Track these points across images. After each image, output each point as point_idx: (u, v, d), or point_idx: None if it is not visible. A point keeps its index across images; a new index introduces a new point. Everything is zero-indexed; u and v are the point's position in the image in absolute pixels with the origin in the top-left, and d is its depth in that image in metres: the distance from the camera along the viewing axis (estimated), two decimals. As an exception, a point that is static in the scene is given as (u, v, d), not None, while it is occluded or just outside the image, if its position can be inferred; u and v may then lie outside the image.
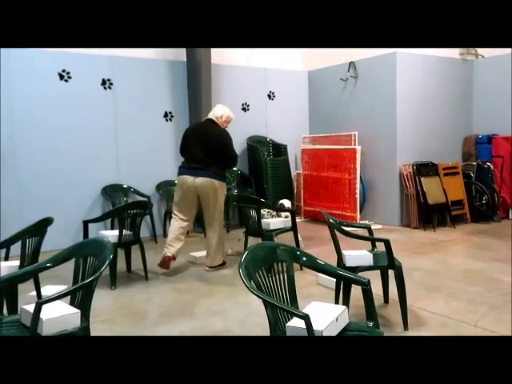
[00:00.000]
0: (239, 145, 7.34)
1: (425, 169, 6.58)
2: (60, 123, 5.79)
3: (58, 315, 2.14)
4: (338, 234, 3.24)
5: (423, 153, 6.74)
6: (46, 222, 3.21)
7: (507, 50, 6.79)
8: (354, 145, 6.81)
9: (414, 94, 6.67)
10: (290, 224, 4.76)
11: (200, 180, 4.55)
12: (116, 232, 4.42)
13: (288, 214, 4.94)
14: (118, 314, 3.64)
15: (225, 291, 4.08)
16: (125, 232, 4.40)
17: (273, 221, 4.84)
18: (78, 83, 5.89)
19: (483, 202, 6.76)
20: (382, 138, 6.74)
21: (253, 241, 4.65)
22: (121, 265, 4.52)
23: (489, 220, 6.70)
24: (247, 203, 4.71)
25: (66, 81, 5.84)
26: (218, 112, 4.80)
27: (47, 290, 3.58)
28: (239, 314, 3.54)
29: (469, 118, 7.41)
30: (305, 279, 4.17)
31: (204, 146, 4.59)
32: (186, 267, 4.94)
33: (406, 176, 6.52)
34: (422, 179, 6.44)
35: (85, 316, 2.25)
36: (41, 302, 2.00)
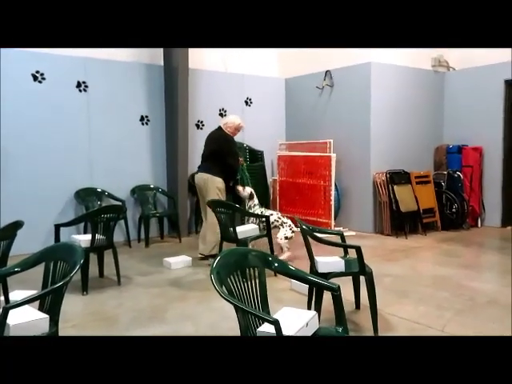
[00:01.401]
0: (216, 150, 7.36)
1: (398, 177, 6.73)
2: (33, 125, 5.69)
3: (26, 320, 2.11)
4: (311, 240, 3.28)
5: (396, 161, 6.90)
6: (15, 226, 3.15)
7: (477, 63, 7.03)
8: (330, 152, 6.91)
9: (387, 104, 6.83)
10: (258, 232, 4.86)
11: (197, 175, 5.25)
12: (88, 236, 4.36)
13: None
14: (89, 319, 3.59)
15: (198, 296, 4.08)
16: (98, 236, 4.34)
17: (247, 227, 4.86)
18: (52, 85, 5.80)
19: (453, 210, 6.95)
20: (356, 145, 6.86)
21: (228, 247, 4.67)
22: (93, 270, 4.46)
23: (458, 228, 6.89)
24: (222, 209, 4.72)
25: (39, 82, 5.74)
26: (223, 119, 5.45)
27: (16, 295, 3.51)
28: (211, 318, 3.54)
29: (440, 128, 7.62)
30: (278, 285, 4.20)
31: (206, 148, 5.32)
32: (160, 272, 4.91)
33: (380, 184, 6.65)
34: (395, 187, 6.59)
35: (54, 321, 2.22)
36: (7, 306, 1.97)
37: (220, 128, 5.26)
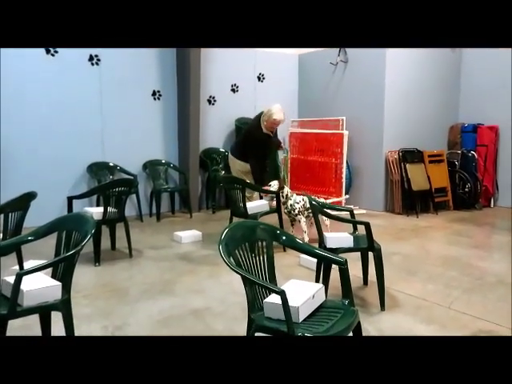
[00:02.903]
0: (228, 126, 7.35)
1: (410, 156, 6.65)
2: (45, 99, 5.71)
3: (39, 287, 2.17)
4: (321, 216, 3.29)
5: (409, 140, 6.81)
6: (29, 197, 3.21)
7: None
8: (342, 130, 6.84)
9: (402, 81, 6.70)
10: (267, 208, 4.84)
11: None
12: (101, 209, 4.42)
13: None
14: (100, 290, 3.67)
15: (207, 270, 4.13)
16: (109, 209, 4.40)
17: (257, 203, 4.87)
18: (64, 58, 5.79)
19: (466, 189, 6.88)
20: (369, 123, 6.78)
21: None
22: (105, 242, 4.53)
23: (471, 208, 6.83)
24: (232, 184, 4.73)
25: (52, 55, 5.74)
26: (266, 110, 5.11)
27: (30, 265, 3.59)
28: (219, 292, 3.59)
29: (455, 106, 7.48)
30: (287, 260, 4.24)
31: None
32: (171, 246, 4.97)
33: (392, 162, 6.59)
34: (407, 166, 6.52)
35: (66, 289, 2.27)
36: (21, 272, 2.02)
37: (259, 119, 5.03)
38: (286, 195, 4.79)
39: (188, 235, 5.12)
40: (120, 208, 4.52)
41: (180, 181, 6.86)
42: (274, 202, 4.96)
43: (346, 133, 6.74)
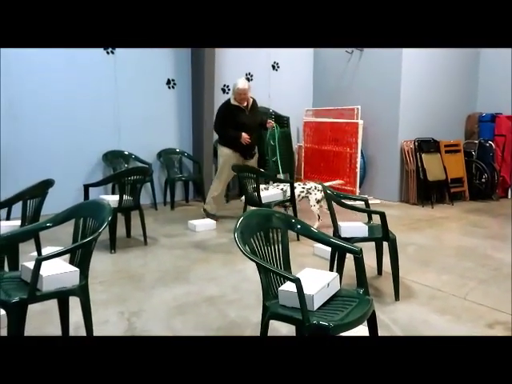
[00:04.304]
0: (241, 115, 7.32)
1: (426, 145, 6.57)
2: (61, 88, 5.75)
3: (58, 272, 2.21)
4: (336, 206, 3.28)
5: (425, 129, 6.72)
6: (46, 184, 3.25)
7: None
8: (357, 119, 6.78)
9: (419, 70, 6.60)
10: (281, 197, 4.85)
11: None
12: (116, 197, 4.46)
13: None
14: (116, 276, 3.72)
15: (221, 258, 4.16)
16: (125, 197, 4.44)
17: (271, 192, 4.87)
18: (80, 48, 5.81)
19: (483, 180, 6.78)
20: (384, 112, 6.70)
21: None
22: (121, 230, 4.58)
23: (487, 198, 6.73)
24: (246, 173, 4.73)
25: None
26: None
27: (47, 251, 3.65)
28: (233, 280, 3.62)
29: (473, 95, 7.34)
30: (301, 250, 4.24)
31: None
32: (185, 234, 5.01)
33: (407, 152, 6.52)
34: (423, 156, 6.44)
35: (83, 275, 2.31)
36: (40, 258, 2.06)
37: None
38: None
39: (202, 223, 5.15)
40: (135, 196, 4.56)
41: (194, 170, 6.89)
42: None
43: (360, 122, 6.68)
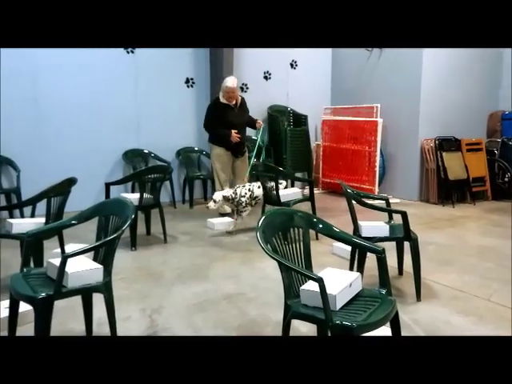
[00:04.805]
0: (259, 114, 7.31)
1: (447, 144, 6.48)
2: (83, 87, 5.84)
3: (83, 269, 2.24)
4: (355, 205, 3.26)
5: (446, 127, 6.62)
6: (70, 182, 3.31)
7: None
8: (376, 117, 6.72)
9: (440, 67, 6.50)
10: (300, 196, 4.83)
11: None
12: (137, 195, 4.51)
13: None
14: (136, 273, 3.76)
15: (239, 256, 4.17)
16: (145, 195, 4.49)
17: (290, 191, 4.87)
18: (101, 48, 5.88)
19: (505, 179, 6.65)
20: (404, 111, 6.63)
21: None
22: (140, 228, 4.64)
23: (510, 198, 6.60)
24: (265, 172, 4.74)
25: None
26: None
27: (70, 248, 3.73)
28: (252, 278, 3.63)
29: (495, 93, 7.20)
30: (320, 248, 4.22)
31: None
32: (204, 233, 5.04)
33: (428, 150, 6.44)
34: (444, 154, 6.35)
35: (107, 272, 2.34)
36: (66, 255, 2.10)
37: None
38: (233, 194, 4.80)
39: (220, 222, 5.17)
40: (155, 194, 4.61)
41: (212, 168, 6.91)
42: (307, 190, 4.95)
43: (380, 120, 6.62)
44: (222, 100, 5.26)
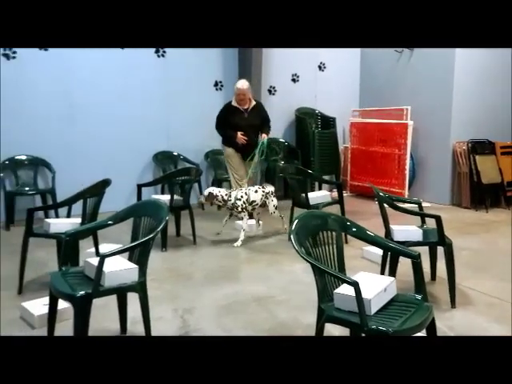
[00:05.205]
0: (288, 116, 7.33)
1: (481, 147, 6.32)
2: (114, 90, 5.96)
3: (119, 269, 2.29)
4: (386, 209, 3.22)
5: (480, 130, 6.46)
6: (104, 184, 3.38)
7: None
8: (406, 119, 6.62)
9: (473, 68, 6.36)
10: (329, 198, 4.82)
11: None
12: (168, 197, 4.58)
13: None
14: (167, 274, 3.81)
15: (268, 258, 4.18)
16: (175, 197, 4.55)
17: (319, 194, 4.85)
18: (131, 50, 6.00)
19: (541, 183, 6.44)
20: (436, 113, 6.51)
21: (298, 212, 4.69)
22: (170, 229, 4.69)
23: (546, 203, 6.40)
24: (295, 174, 4.73)
25: (122, 48, 5.97)
26: None
27: (104, 248, 3.81)
28: (281, 280, 3.62)
29: (533, 94, 6.98)
30: (349, 252, 4.15)
31: None
32: (232, 235, 5.06)
33: (460, 154, 6.30)
34: (477, 157, 6.20)
35: (142, 272, 2.39)
36: (104, 255, 2.15)
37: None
38: (226, 196, 4.64)
39: (249, 224, 5.17)
40: (185, 196, 4.66)
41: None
42: (334, 193, 4.92)
43: (410, 123, 6.52)
44: (234, 103, 5.34)
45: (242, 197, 4.64)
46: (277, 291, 3.41)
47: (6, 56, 5.29)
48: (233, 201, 4.62)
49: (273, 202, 4.79)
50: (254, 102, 5.39)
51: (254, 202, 4.70)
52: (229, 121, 5.31)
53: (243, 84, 5.22)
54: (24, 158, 5.45)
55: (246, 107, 5.32)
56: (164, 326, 2.80)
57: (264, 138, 5.29)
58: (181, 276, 3.77)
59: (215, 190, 4.67)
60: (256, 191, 4.73)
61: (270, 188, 4.84)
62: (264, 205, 4.78)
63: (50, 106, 5.58)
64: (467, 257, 4.16)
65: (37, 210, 4.30)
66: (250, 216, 4.96)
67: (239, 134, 5.25)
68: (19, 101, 5.39)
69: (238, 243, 4.55)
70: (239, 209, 4.63)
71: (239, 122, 5.28)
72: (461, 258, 4.02)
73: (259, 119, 5.39)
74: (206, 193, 4.70)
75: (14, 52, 5.31)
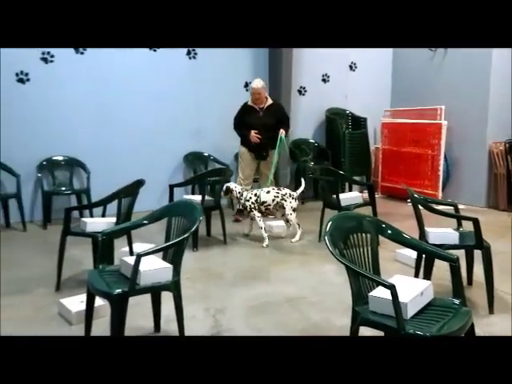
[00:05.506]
0: (318, 117, 7.28)
1: (518, 147, 6.11)
2: (146, 92, 6.05)
3: (154, 268, 2.33)
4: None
5: (518, 130, 6.25)
6: (138, 184, 3.44)
7: None
8: (440, 119, 6.47)
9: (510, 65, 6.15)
10: (361, 200, 4.75)
11: None
12: (199, 197, 4.62)
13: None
14: (199, 273, 3.85)
15: (298, 259, 4.17)
16: (206, 197, 4.59)
17: (351, 195, 4.80)
18: (164, 53, 6.10)
19: None
20: (471, 113, 6.33)
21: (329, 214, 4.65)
22: (201, 229, 4.73)
23: None
24: (326, 175, 4.69)
25: (154, 50, 6.08)
26: None
27: (137, 247, 3.89)
28: (313, 282, 3.61)
29: None
30: (382, 255, 4.06)
31: None
32: (262, 234, 5.06)
33: (497, 154, 6.11)
34: (515, 158, 6.00)
35: (176, 271, 2.42)
36: (141, 254, 2.18)
37: None
38: (239, 194, 4.75)
39: (279, 225, 5.17)
40: (215, 196, 4.70)
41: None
42: (365, 195, 4.86)
43: (444, 123, 6.37)
44: (250, 103, 5.41)
45: (250, 198, 4.69)
46: (308, 292, 3.39)
47: (45, 60, 5.47)
48: (243, 201, 4.70)
49: (290, 203, 4.69)
50: (270, 101, 5.41)
51: (265, 202, 4.69)
52: (244, 120, 5.39)
53: (258, 83, 5.27)
54: (60, 158, 5.62)
55: (261, 106, 5.36)
56: (196, 325, 2.83)
57: (282, 133, 5.30)
58: (212, 275, 3.80)
59: (232, 185, 4.81)
60: (268, 192, 4.72)
61: (287, 190, 4.81)
62: (282, 206, 4.75)
63: (84, 107, 5.73)
64: (504, 261, 4.03)
65: (74, 210, 4.44)
66: (264, 215, 4.94)
67: (252, 132, 5.29)
68: (56, 103, 5.55)
69: (265, 242, 4.56)
70: (248, 209, 4.72)
71: (253, 121, 5.33)
72: (499, 262, 3.88)
73: (274, 118, 5.39)
74: (225, 187, 4.78)
75: (52, 56, 5.48)
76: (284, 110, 5.58)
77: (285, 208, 4.71)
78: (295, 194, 4.76)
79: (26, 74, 5.37)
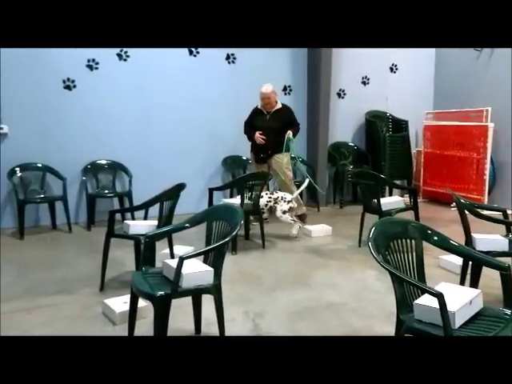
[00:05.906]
0: (357, 120, 7.18)
1: None
2: (186, 96, 6.15)
3: (196, 271, 2.35)
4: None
5: None
6: (180, 187, 3.50)
7: None
8: (486, 121, 6.24)
9: None
10: (402, 204, 4.64)
11: None
12: (239, 200, 4.64)
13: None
14: (237, 276, 3.86)
15: (338, 265, 4.11)
16: (245, 201, 4.61)
17: (392, 199, 4.69)
18: (204, 58, 6.18)
19: None
20: (520, 114, 6.07)
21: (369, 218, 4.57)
22: (239, 232, 4.75)
23: None
24: (367, 179, 4.61)
25: (194, 56, 6.17)
26: None
27: (177, 250, 3.95)
28: (353, 288, 3.54)
29: None
30: (425, 261, 3.98)
31: None
32: (301, 239, 5.04)
33: (548, 157, 5.82)
34: None
35: (217, 274, 2.43)
36: (183, 257, 2.21)
37: None
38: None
39: (318, 229, 5.14)
40: (254, 200, 4.70)
41: (309, 174, 6.89)
42: (406, 199, 4.74)
43: (491, 125, 6.13)
44: (259, 107, 5.45)
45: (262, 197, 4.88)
46: (349, 298, 3.34)
47: (90, 67, 5.66)
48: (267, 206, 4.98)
49: (281, 207, 4.87)
50: (279, 106, 5.41)
51: (259, 206, 4.86)
52: (252, 123, 5.45)
53: (267, 88, 5.30)
54: (104, 162, 5.79)
55: (269, 110, 5.37)
56: (236, 328, 2.84)
57: (289, 133, 5.31)
58: (251, 279, 3.81)
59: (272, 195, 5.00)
60: (261, 196, 4.87)
61: (280, 194, 4.97)
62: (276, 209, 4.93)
63: (127, 113, 5.88)
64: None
65: (118, 212, 4.55)
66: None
67: (257, 133, 5.32)
68: (99, 109, 5.73)
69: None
70: (260, 207, 4.89)
71: (260, 124, 5.38)
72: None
73: (280, 122, 5.36)
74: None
75: (97, 63, 5.66)
76: (293, 114, 5.55)
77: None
78: (289, 197, 4.92)
79: (73, 81, 5.57)
